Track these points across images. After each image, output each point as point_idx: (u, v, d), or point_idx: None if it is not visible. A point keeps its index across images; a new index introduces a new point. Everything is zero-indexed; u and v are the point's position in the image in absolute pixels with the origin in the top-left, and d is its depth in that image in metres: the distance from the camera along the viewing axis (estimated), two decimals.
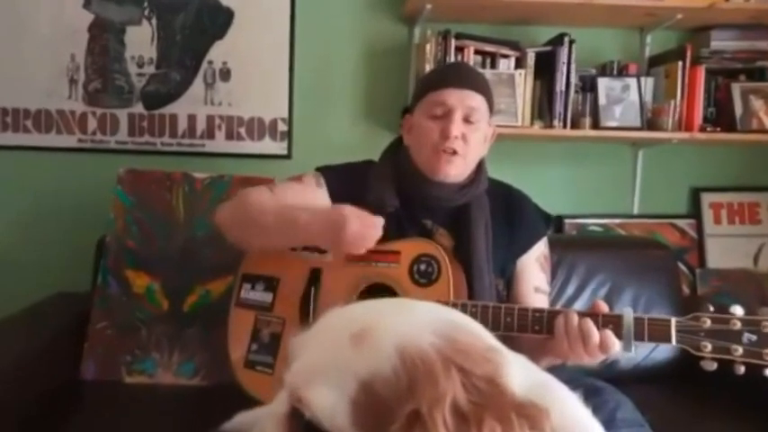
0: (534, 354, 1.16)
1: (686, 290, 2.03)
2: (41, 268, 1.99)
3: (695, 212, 2.13)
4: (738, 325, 0.98)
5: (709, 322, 0.99)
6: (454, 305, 1.11)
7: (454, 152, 1.20)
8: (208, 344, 1.56)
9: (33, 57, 1.97)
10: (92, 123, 2.00)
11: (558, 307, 1.64)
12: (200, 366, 1.57)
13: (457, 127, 1.19)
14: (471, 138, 1.21)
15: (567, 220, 2.08)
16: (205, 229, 1.64)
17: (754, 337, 0.97)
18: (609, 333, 1.02)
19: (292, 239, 1.22)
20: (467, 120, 1.20)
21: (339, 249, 1.17)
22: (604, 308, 1.05)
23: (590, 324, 1.02)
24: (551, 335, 1.06)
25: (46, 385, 1.41)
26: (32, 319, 1.61)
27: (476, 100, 1.21)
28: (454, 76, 1.23)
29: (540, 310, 1.09)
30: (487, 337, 0.46)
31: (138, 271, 1.63)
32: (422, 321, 0.44)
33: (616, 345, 1.02)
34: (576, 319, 1.03)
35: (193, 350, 1.58)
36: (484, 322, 1.12)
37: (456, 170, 1.22)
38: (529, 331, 1.08)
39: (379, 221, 1.14)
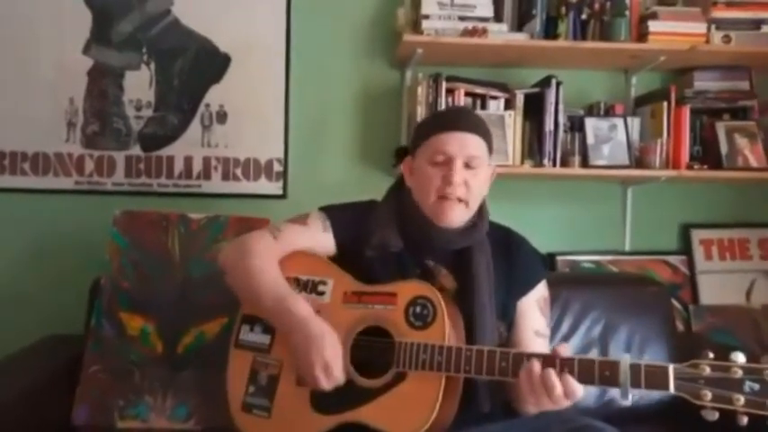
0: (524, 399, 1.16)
1: (681, 326, 2.04)
2: (36, 310, 1.98)
3: (686, 249, 2.15)
4: (739, 373, 0.95)
5: (708, 369, 0.96)
6: (449, 349, 1.11)
7: (458, 198, 1.22)
8: (202, 387, 1.55)
9: (32, 101, 2.00)
10: (89, 165, 2.02)
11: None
12: (193, 410, 1.55)
13: (459, 174, 1.21)
14: (473, 182, 1.24)
15: (559, 258, 2.09)
16: (201, 271, 1.64)
17: (756, 386, 0.94)
18: (570, 380, 1.01)
19: (274, 320, 1.23)
20: (468, 165, 1.23)
21: (303, 361, 1.15)
22: (563, 350, 1.05)
23: (552, 375, 1.02)
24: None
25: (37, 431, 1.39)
26: (25, 362, 1.59)
27: (475, 144, 1.24)
28: (453, 120, 1.26)
29: (538, 355, 1.08)
30: None
31: (133, 313, 1.63)
32: None
33: (579, 391, 1.01)
34: (537, 370, 1.03)
35: (187, 393, 1.56)
36: (479, 366, 1.13)
37: (459, 216, 1.24)
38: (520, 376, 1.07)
39: (341, 373, 1.14)
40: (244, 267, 1.25)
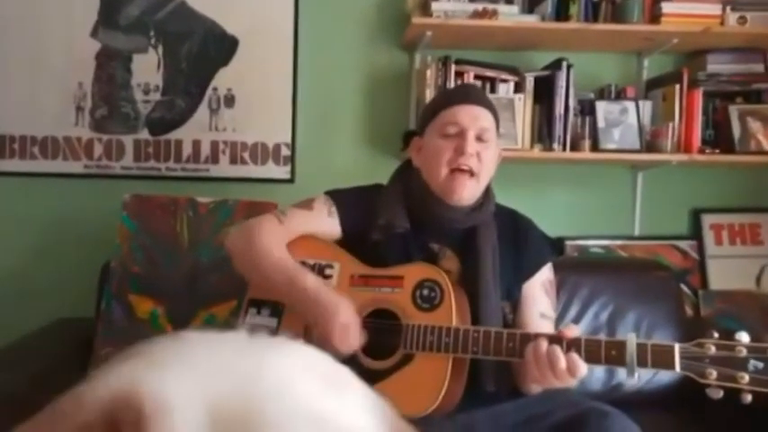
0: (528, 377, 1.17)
1: (690, 311, 2.03)
2: (46, 293, 2.00)
3: (696, 234, 2.14)
4: (744, 352, 0.96)
5: (713, 349, 0.98)
6: (456, 330, 1.12)
7: (470, 172, 1.22)
8: None
9: (41, 85, 2.01)
10: (98, 149, 2.03)
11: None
12: None
13: (471, 145, 1.21)
14: (484, 156, 1.23)
15: (568, 242, 2.08)
16: (209, 254, 1.65)
17: (760, 365, 0.95)
18: (575, 357, 1.02)
19: (286, 297, 1.24)
20: (479, 138, 1.23)
21: (320, 331, 1.16)
22: (569, 332, 1.06)
23: (557, 350, 1.03)
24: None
25: None
26: (35, 345, 1.61)
27: (486, 118, 1.24)
28: (464, 93, 1.27)
29: (544, 335, 1.09)
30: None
31: (143, 296, 1.64)
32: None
33: (583, 368, 1.02)
34: (544, 345, 1.04)
35: None
36: (486, 347, 1.13)
37: (469, 192, 1.24)
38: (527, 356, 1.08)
39: (359, 335, 1.15)
40: (251, 250, 1.25)
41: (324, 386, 0.30)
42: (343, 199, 1.32)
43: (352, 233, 1.30)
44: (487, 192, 1.30)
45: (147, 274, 1.66)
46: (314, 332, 1.18)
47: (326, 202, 1.32)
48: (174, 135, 2.04)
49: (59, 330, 1.74)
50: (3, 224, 2.02)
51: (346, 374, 0.32)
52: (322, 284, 1.20)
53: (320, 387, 0.30)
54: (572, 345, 1.04)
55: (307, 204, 1.32)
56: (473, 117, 1.22)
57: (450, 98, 1.27)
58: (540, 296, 1.30)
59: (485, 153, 1.23)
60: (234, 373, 0.28)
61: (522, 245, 1.31)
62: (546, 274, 1.32)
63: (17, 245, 2.03)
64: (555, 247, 1.40)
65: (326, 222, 1.30)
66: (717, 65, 2.02)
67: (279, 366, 0.30)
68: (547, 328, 1.27)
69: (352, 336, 1.14)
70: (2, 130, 2.01)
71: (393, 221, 1.25)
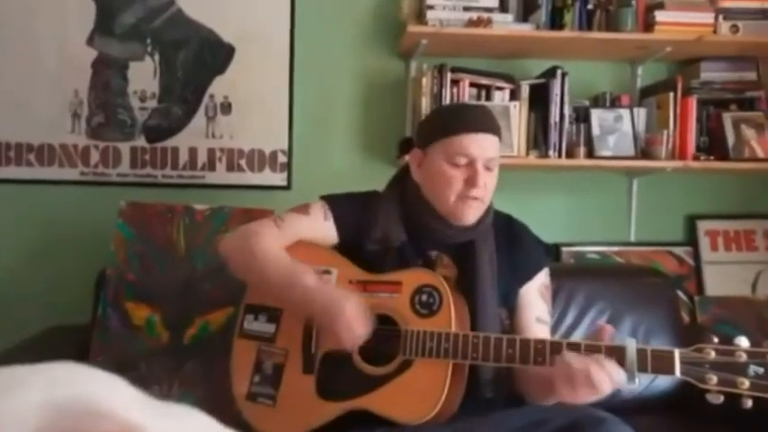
0: (538, 391, 1.16)
1: (686, 317, 2.03)
2: (42, 301, 1.99)
3: (692, 240, 2.15)
4: (744, 357, 0.96)
5: (713, 354, 0.97)
6: (455, 336, 1.11)
7: (476, 198, 1.23)
8: (207, 377, 1.56)
9: (37, 92, 2.01)
10: (94, 156, 2.02)
11: (557, 337, 1.64)
12: (199, 400, 1.56)
13: (482, 177, 1.21)
14: (490, 183, 1.25)
15: (564, 248, 2.09)
16: (205, 262, 1.65)
17: (760, 370, 0.95)
18: (612, 364, 1.00)
19: (285, 298, 1.23)
20: (486, 168, 1.23)
21: (326, 328, 1.16)
22: (607, 334, 1.05)
23: (600, 358, 1.00)
24: (553, 366, 1.05)
25: None
26: (31, 352, 1.60)
27: (494, 147, 1.24)
28: (476, 121, 1.24)
29: (542, 342, 1.09)
30: (124, 410, 0.32)
31: (139, 303, 1.64)
32: (20, 408, 0.29)
33: (621, 377, 1.00)
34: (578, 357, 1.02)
35: (193, 383, 1.57)
36: (485, 353, 1.13)
37: (476, 216, 1.25)
38: (531, 363, 1.08)
39: (366, 324, 1.15)
40: (249, 251, 1.25)
41: None
42: (338, 204, 1.32)
43: (347, 240, 1.30)
44: (488, 206, 1.30)
45: (142, 282, 1.65)
46: (320, 331, 1.18)
47: (322, 206, 1.32)
48: (170, 142, 2.04)
49: (54, 337, 1.72)
50: None
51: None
52: (322, 282, 1.19)
53: None
54: (572, 349, 1.04)
55: (303, 209, 1.32)
56: (482, 148, 1.22)
57: (461, 125, 1.23)
58: (536, 301, 1.30)
59: (490, 181, 1.24)
60: None
61: (519, 250, 1.31)
62: (542, 279, 1.33)
63: (13, 252, 2.02)
64: (550, 251, 1.40)
65: (323, 227, 1.30)
66: (710, 73, 2.04)
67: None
68: (543, 332, 1.28)
69: (358, 327, 1.13)
70: None
71: (389, 234, 1.25)
